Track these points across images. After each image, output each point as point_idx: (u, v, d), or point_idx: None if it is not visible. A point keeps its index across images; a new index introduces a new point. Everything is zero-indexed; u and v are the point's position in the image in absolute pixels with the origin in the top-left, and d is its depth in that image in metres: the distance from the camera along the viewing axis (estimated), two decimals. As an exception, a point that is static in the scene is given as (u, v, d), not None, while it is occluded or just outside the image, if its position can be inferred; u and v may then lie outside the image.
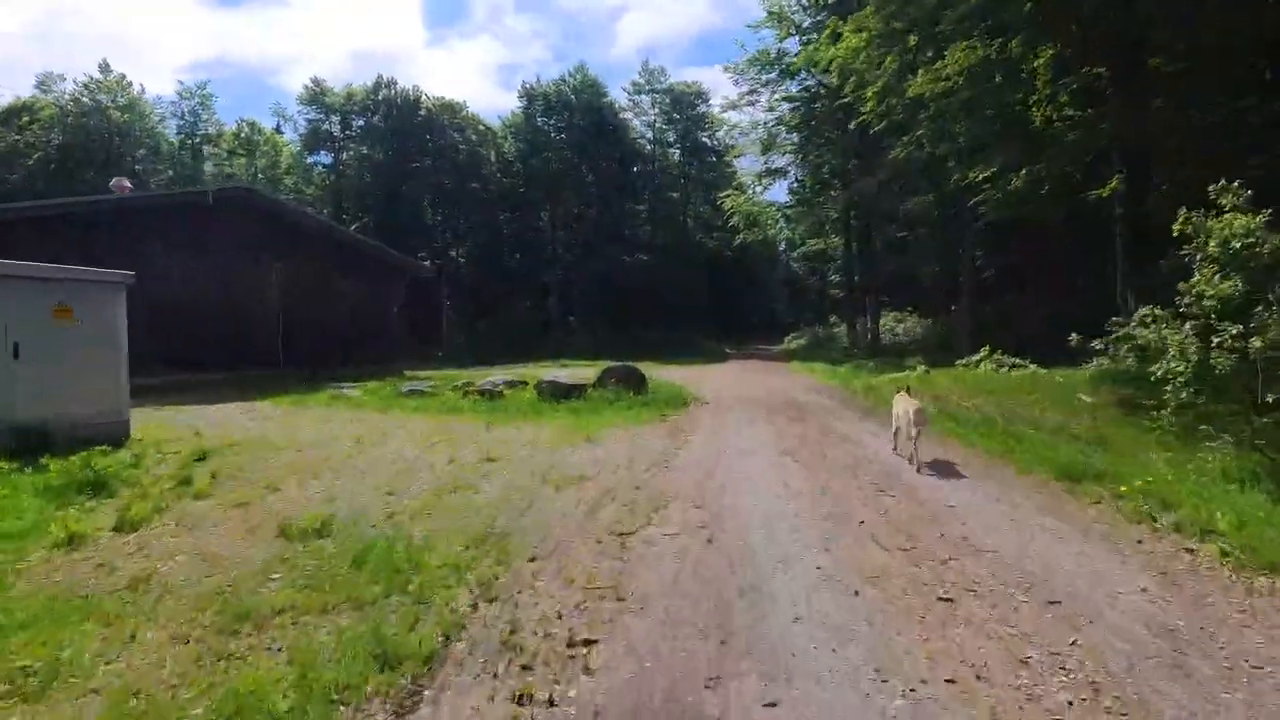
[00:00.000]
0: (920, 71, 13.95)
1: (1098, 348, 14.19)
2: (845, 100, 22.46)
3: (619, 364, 13.62)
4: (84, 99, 46.08)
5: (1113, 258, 16.63)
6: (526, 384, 14.01)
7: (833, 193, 29.38)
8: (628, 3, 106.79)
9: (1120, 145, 12.02)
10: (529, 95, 48.67)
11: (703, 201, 50.79)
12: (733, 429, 9.80)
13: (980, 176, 14.19)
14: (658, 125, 49.74)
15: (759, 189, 31.55)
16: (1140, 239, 12.91)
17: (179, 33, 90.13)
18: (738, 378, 20.16)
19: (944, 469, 7.08)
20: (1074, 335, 14.46)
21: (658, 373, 22.40)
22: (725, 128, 32.72)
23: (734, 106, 31.81)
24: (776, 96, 28.56)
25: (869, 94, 14.71)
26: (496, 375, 16.53)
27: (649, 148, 50.19)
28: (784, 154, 30.36)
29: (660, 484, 6.40)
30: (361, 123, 49.41)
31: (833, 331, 39.53)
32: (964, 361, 17.98)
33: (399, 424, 10.41)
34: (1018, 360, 16.77)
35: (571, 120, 47.92)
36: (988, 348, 17.62)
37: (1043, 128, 12.75)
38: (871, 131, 18.48)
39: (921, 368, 17.83)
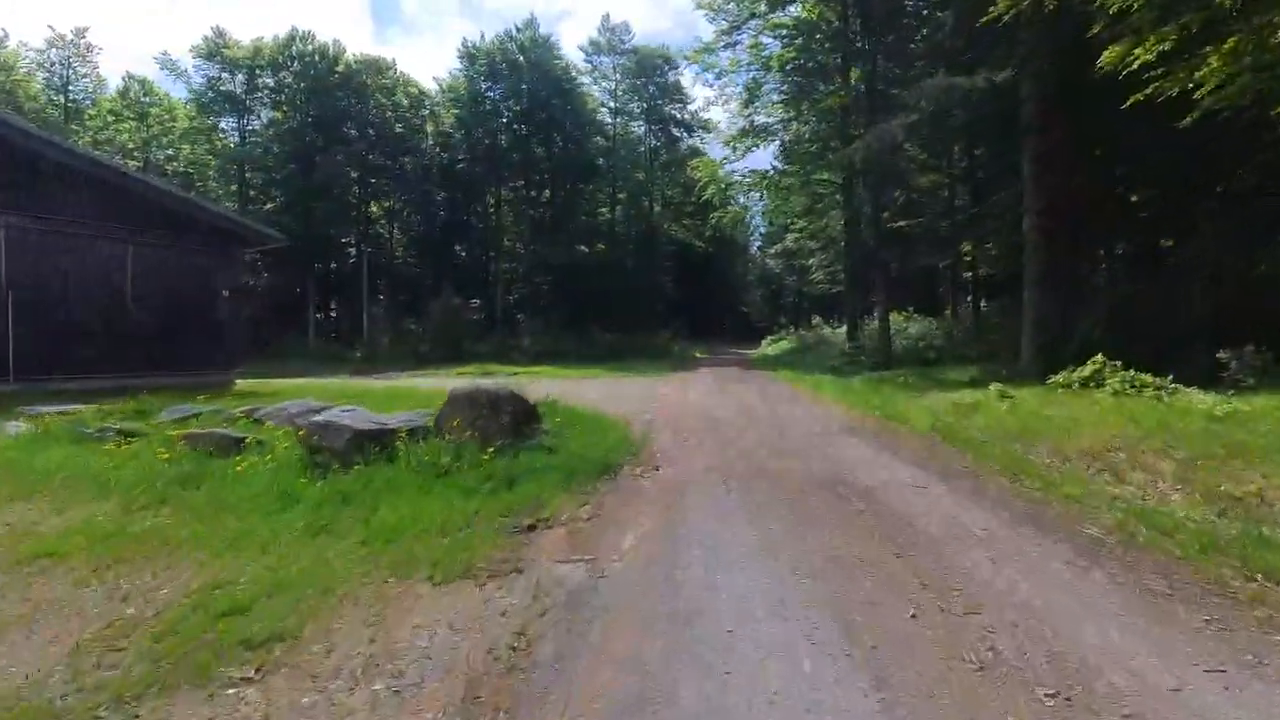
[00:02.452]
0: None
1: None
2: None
3: (486, 384, 6.93)
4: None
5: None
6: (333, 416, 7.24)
7: (831, 155, 23.10)
8: (571, 7, 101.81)
9: None
10: (470, 55, 41.60)
11: (671, 183, 44.20)
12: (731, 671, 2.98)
13: (1144, 56, 7.83)
14: (620, 94, 43.00)
15: (738, 151, 25.04)
16: None
17: (106, 28, 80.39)
18: (713, 398, 13.57)
19: None
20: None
21: (601, 389, 15.68)
22: (699, 70, 26.16)
23: (708, 50, 25.28)
24: (769, 21, 22.04)
25: None
26: (306, 401, 9.81)
27: (610, 120, 43.44)
28: (772, 106, 23.95)
29: None
30: (271, 82, 41.76)
31: (822, 334, 33.26)
32: (1060, 379, 11.66)
33: None
34: (1150, 378, 10.52)
35: (519, 86, 40.94)
36: (1101, 358, 11.34)
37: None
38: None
39: (994, 387, 11.44)
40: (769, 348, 39.10)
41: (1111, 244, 23.28)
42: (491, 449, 5.98)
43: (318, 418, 6.26)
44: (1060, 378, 11.69)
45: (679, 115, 43.45)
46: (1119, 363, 11.26)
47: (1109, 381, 10.60)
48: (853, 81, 22.58)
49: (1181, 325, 14.82)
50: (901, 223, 26.80)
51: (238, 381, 16.60)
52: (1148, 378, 10.54)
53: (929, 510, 4.80)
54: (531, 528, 4.46)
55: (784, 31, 22.29)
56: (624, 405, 11.50)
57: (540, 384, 18.26)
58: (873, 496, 5.23)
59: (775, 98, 24.09)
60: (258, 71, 41.40)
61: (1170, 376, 10.62)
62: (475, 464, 5.70)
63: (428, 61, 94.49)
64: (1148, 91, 8.21)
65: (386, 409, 9.68)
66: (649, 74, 41.94)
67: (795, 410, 11.22)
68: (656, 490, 5.66)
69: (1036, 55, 14.51)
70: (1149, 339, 14.36)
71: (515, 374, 24.15)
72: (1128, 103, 8.49)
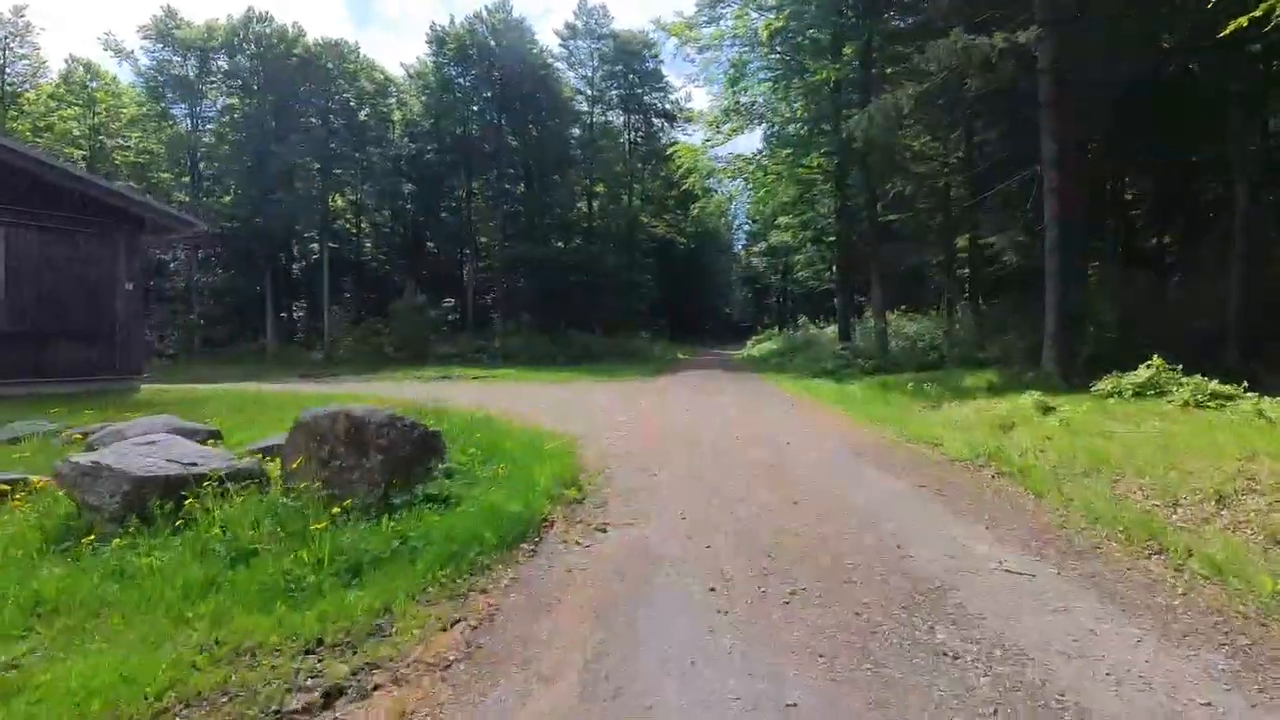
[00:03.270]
0: None
1: None
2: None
3: (355, 407, 4.71)
4: None
5: None
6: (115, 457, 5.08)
7: (822, 137, 21.22)
8: (553, 3, 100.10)
9: None
10: (438, 40, 39.21)
11: (652, 176, 42.09)
12: None
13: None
14: (598, 81, 40.78)
15: (723, 134, 22.98)
16: None
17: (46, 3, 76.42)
18: (695, 409, 11.47)
19: None
20: None
21: (564, 396, 13.53)
22: (679, 44, 24.05)
23: (689, 26, 23.26)
24: None
25: None
26: (170, 419, 7.66)
27: (588, 109, 41.21)
28: (759, 85, 21.95)
29: None
30: (225, 65, 39.10)
31: (811, 333, 31.33)
32: (1107, 386, 9.73)
33: None
34: (1227, 387, 8.63)
35: (491, 72, 38.64)
36: (1158, 361, 9.44)
37: None
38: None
39: (1031, 396, 9.45)
40: (754, 349, 37.16)
41: (1118, 236, 21.63)
42: (338, 509, 3.85)
43: (86, 459, 4.10)
44: (1107, 385, 9.77)
45: (659, 105, 41.35)
46: (1180, 366, 9.39)
47: (1175, 390, 8.68)
48: (847, 56, 20.70)
49: (1212, 322, 13.03)
50: (894, 216, 25.06)
51: (143, 388, 14.30)
52: (1222, 385, 8.64)
53: (1067, 643, 2.72)
54: (334, 696, 2.34)
55: (772, 2, 20.32)
56: (584, 419, 9.40)
57: (494, 390, 16.14)
58: (958, 606, 3.12)
59: (762, 76, 22.11)
60: (211, 54, 38.77)
61: (1244, 384, 8.75)
62: (304, 538, 3.56)
63: (405, 59, 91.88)
64: (1256, 13, 6.26)
65: (272, 428, 7.54)
66: (628, 61, 39.82)
67: (795, 425, 9.18)
68: (596, 578, 3.57)
69: (1052, 22, 12.65)
70: (1173, 339, 12.52)
71: (477, 378, 22.01)
72: (1228, 29, 6.53)
